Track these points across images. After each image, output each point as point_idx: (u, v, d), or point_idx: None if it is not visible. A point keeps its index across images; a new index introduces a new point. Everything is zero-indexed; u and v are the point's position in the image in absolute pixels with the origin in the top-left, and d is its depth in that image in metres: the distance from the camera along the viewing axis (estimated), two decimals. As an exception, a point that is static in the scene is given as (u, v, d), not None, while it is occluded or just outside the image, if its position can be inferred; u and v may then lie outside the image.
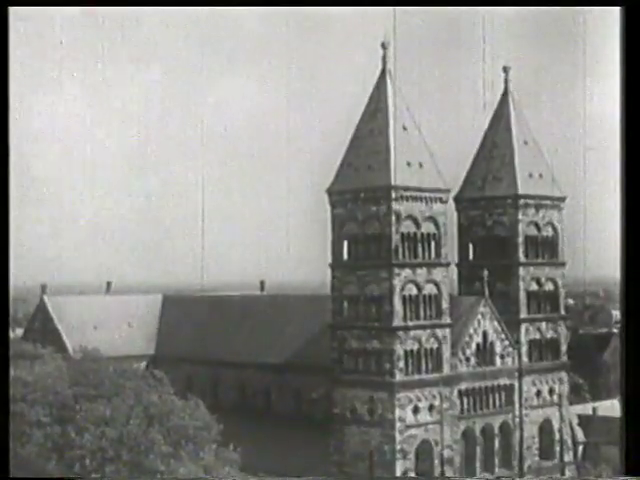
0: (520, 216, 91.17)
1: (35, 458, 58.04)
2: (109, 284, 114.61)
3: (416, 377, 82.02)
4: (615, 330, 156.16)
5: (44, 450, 58.56)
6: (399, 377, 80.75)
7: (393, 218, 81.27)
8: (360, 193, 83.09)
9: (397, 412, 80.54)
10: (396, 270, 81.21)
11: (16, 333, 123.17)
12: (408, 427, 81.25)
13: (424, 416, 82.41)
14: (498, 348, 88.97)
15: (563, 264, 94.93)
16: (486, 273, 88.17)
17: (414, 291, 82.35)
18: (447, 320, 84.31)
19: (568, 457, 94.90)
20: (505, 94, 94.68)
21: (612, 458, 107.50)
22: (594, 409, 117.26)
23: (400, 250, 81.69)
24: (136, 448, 58.01)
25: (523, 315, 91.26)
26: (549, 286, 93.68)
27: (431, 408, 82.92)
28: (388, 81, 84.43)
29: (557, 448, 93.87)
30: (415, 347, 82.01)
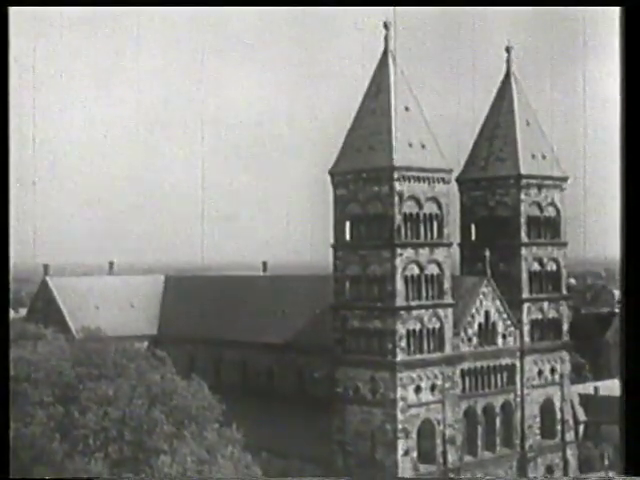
0: (522, 196, 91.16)
1: (39, 438, 58.22)
2: (111, 264, 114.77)
3: (418, 357, 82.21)
4: (617, 310, 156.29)
5: (47, 430, 58.73)
6: (401, 357, 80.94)
7: (395, 198, 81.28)
8: (362, 174, 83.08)
9: (399, 391, 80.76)
10: (398, 250, 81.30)
11: (19, 313, 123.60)
12: (410, 406, 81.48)
13: (426, 395, 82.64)
14: (500, 328, 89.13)
15: (565, 244, 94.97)
16: (488, 253, 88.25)
17: (416, 271, 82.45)
18: (449, 300, 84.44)
19: (569, 436, 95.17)
20: (507, 74, 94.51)
21: (613, 437, 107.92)
22: (595, 388, 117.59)
23: (402, 230, 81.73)
24: (139, 428, 58.20)
25: (525, 295, 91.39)
26: (551, 266, 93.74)
27: (433, 387, 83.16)
28: (390, 61, 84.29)
29: (558, 427, 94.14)
30: (417, 327, 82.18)
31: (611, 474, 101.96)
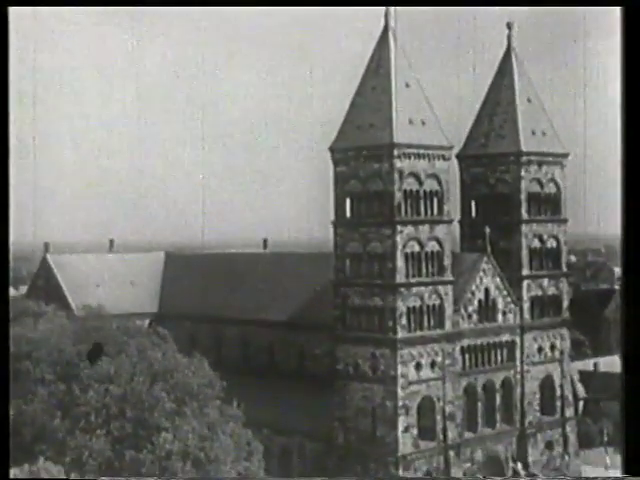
0: (523, 173, 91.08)
1: (40, 415, 58.39)
2: (112, 242, 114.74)
3: (418, 334, 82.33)
4: (617, 287, 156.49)
5: (49, 407, 58.89)
6: (401, 334, 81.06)
7: (396, 175, 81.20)
8: (363, 151, 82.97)
9: (399, 368, 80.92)
10: (398, 227, 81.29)
11: (19, 291, 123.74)
12: (410, 383, 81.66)
13: (426, 372, 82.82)
14: (500, 305, 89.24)
15: (565, 221, 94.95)
16: (488, 230, 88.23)
17: (416, 248, 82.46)
18: (449, 277, 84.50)
19: (569, 412, 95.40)
20: (508, 51, 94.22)
21: (612, 413, 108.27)
22: (595, 365, 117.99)
23: (402, 207, 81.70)
24: (140, 405, 58.32)
25: (525, 272, 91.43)
26: (551, 243, 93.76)
27: (433, 364, 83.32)
28: (390, 38, 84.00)
29: (558, 404, 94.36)
30: (417, 304, 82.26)
31: (610, 450, 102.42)
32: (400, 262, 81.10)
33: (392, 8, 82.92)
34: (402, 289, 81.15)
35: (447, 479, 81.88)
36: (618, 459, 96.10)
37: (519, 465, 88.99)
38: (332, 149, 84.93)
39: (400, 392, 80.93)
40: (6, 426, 43.03)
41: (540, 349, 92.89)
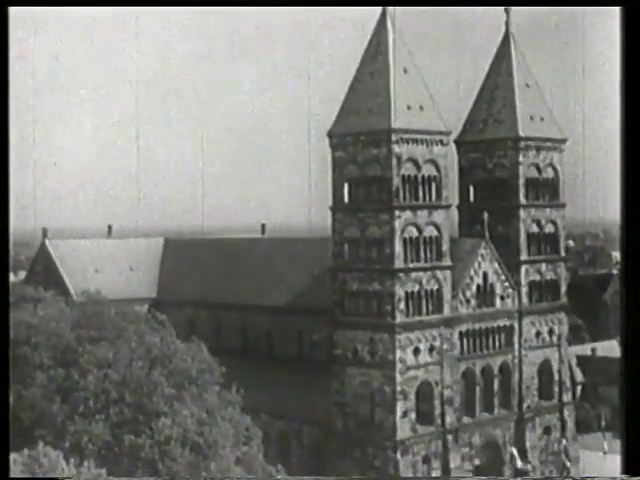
0: (521, 158, 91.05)
1: (39, 400, 58.48)
2: (110, 227, 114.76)
3: (416, 319, 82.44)
4: (615, 271, 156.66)
5: (48, 392, 58.96)
6: (400, 319, 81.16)
7: (394, 161, 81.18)
8: (361, 136, 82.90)
9: (398, 353, 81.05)
10: (397, 212, 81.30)
11: (18, 276, 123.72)
12: (409, 368, 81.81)
13: (424, 357, 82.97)
14: (498, 290, 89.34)
15: (563, 206, 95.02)
16: (486, 215, 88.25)
17: (415, 233, 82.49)
18: (447, 262, 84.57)
19: (567, 397, 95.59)
20: (506, 36, 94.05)
21: (610, 398, 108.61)
22: (593, 350, 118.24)
23: (401, 192, 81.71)
24: (139, 390, 58.40)
25: (523, 257, 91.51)
26: (549, 228, 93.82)
27: (431, 349, 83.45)
28: (388, 23, 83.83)
29: (556, 388, 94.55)
30: (416, 289, 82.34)
31: (608, 435, 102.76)
32: (398, 247, 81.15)
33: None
34: (400, 274, 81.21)
35: (449, 479, 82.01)
36: (616, 444, 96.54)
37: (515, 451, 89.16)
38: (330, 135, 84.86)
39: (398, 377, 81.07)
40: (6, 412, 43.10)
41: (538, 334, 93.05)
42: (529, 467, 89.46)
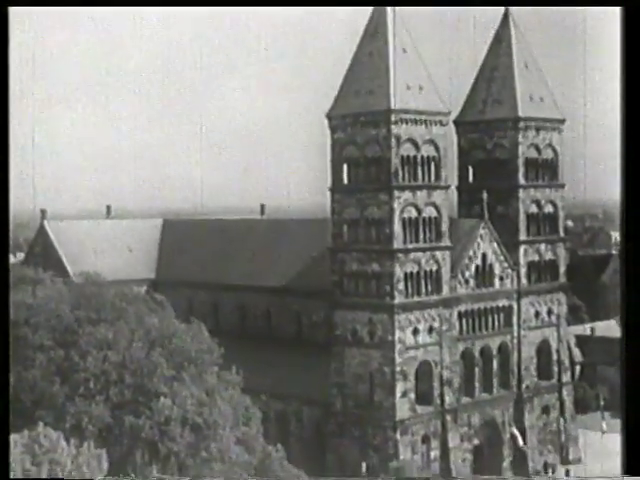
0: (520, 139, 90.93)
1: (39, 381, 58.54)
2: (109, 208, 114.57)
3: (416, 299, 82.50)
4: (614, 251, 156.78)
5: (48, 373, 59.02)
6: (399, 299, 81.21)
7: (393, 141, 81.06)
8: (360, 117, 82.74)
9: (397, 334, 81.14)
10: (396, 193, 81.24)
11: (17, 257, 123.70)
12: (408, 349, 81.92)
13: (423, 338, 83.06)
14: (497, 270, 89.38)
15: (562, 186, 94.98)
16: (486, 196, 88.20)
17: (414, 214, 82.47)
18: (447, 242, 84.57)
19: (565, 377, 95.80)
20: (506, 15, 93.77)
21: (609, 378, 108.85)
22: (592, 329, 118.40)
23: (400, 173, 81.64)
24: (139, 371, 58.46)
25: (522, 237, 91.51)
26: (548, 208, 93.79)
27: (430, 330, 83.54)
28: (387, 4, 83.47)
29: (555, 368, 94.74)
30: (415, 269, 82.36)
31: (606, 415, 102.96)
32: (397, 228, 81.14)
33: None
34: (399, 255, 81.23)
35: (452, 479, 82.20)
36: (614, 423, 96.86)
37: (516, 430, 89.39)
38: (329, 116, 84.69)
39: (397, 357, 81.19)
40: (6, 393, 43.16)
41: (537, 314, 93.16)
42: (526, 448, 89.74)
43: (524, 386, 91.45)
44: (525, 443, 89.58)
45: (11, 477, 41.99)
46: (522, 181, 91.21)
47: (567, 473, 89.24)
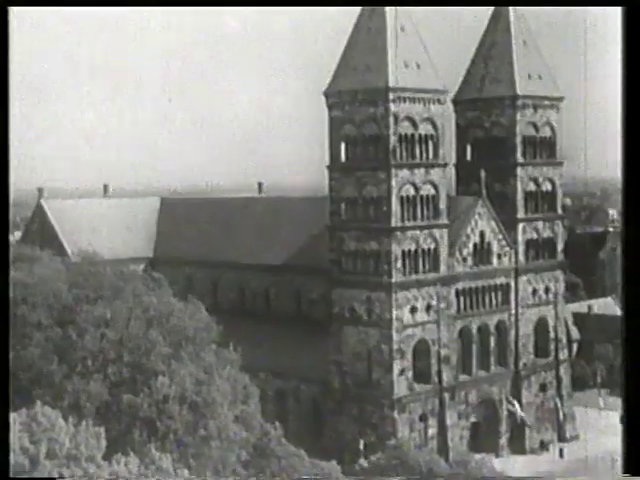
0: (518, 117, 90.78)
1: (37, 360, 58.49)
2: (106, 187, 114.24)
3: (413, 277, 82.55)
4: (611, 229, 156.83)
5: (46, 352, 58.95)
6: (397, 277, 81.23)
7: (391, 119, 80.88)
8: (357, 94, 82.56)
9: (395, 312, 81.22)
10: (394, 171, 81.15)
11: (14, 236, 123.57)
12: (405, 327, 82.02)
13: (421, 316, 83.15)
14: (495, 248, 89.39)
15: (561, 164, 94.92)
16: (484, 174, 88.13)
17: (412, 192, 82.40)
18: (444, 220, 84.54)
19: (563, 355, 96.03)
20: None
21: (606, 355, 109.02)
22: (589, 307, 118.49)
23: (398, 151, 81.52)
24: (137, 349, 58.35)
25: (520, 215, 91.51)
26: (547, 186, 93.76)
27: (428, 308, 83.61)
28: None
29: (552, 346, 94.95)
30: (413, 247, 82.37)
31: (603, 392, 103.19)
32: (395, 206, 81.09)
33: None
34: (397, 233, 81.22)
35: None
36: (611, 401, 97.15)
37: (517, 405, 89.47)
38: (326, 94, 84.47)
39: (395, 335, 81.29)
40: (6, 371, 43.14)
41: (534, 292, 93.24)
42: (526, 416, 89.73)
43: (521, 364, 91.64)
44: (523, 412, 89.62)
45: (10, 477, 42.05)
46: (520, 159, 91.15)
47: (561, 452, 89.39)
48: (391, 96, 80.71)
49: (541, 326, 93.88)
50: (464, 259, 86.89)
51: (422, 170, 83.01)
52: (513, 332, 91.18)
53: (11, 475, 41.51)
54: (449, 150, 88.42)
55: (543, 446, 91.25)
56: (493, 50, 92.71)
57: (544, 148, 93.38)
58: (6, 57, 41.21)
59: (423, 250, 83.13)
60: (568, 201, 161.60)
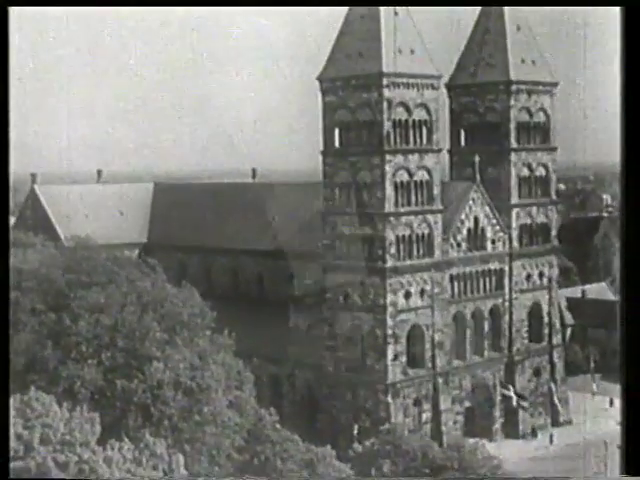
0: (512, 102, 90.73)
1: (31, 345, 58.45)
2: (99, 172, 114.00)
3: (407, 262, 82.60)
4: (605, 214, 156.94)
5: (40, 337, 58.90)
6: (391, 262, 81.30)
7: (384, 105, 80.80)
8: (351, 80, 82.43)
9: (389, 297, 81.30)
10: (388, 157, 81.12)
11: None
12: (400, 312, 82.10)
13: (415, 301, 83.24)
14: (489, 233, 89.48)
15: (554, 149, 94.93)
16: (477, 159, 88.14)
17: (405, 177, 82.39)
18: (438, 206, 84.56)
19: (556, 340, 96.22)
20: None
21: (599, 340, 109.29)
22: (583, 292, 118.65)
23: (392, 137, 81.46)
24: (131, 335, 58.32)
25: (514, 200, 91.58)
26: (540, 171, 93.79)
27: (422, 293, 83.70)
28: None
29: (546, 331, 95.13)
30: (407, 233, 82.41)
31: (597, 377, 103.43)
32: (389, 191, 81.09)
33: None
34: (391, 218, 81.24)
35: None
36: (604, 385, 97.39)
37: (512, 390, 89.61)
38: (320, 79, 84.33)
39: (389, 321, 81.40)
40: (6, 357, 43.18)
41: (528, 277, 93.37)
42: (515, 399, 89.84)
43: (515, 349, 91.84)
44: (519, 396, 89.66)
45: (11, 477, 42.09)
46: (514, 144, 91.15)
47: (551, 438, 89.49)
48: (385, 81, 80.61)
49: (535, 311, 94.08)
50: (458, 244, 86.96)
51: (416, 155, 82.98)
52: (507, 317, 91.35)
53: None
54: (443, 135, 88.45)
55: (533, 432, 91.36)
56: (487, 36, 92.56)
57: (538, 133, 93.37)
58: (6, 57, 41.20)
59: (417, 235, 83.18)
60: (562, 186, 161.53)
